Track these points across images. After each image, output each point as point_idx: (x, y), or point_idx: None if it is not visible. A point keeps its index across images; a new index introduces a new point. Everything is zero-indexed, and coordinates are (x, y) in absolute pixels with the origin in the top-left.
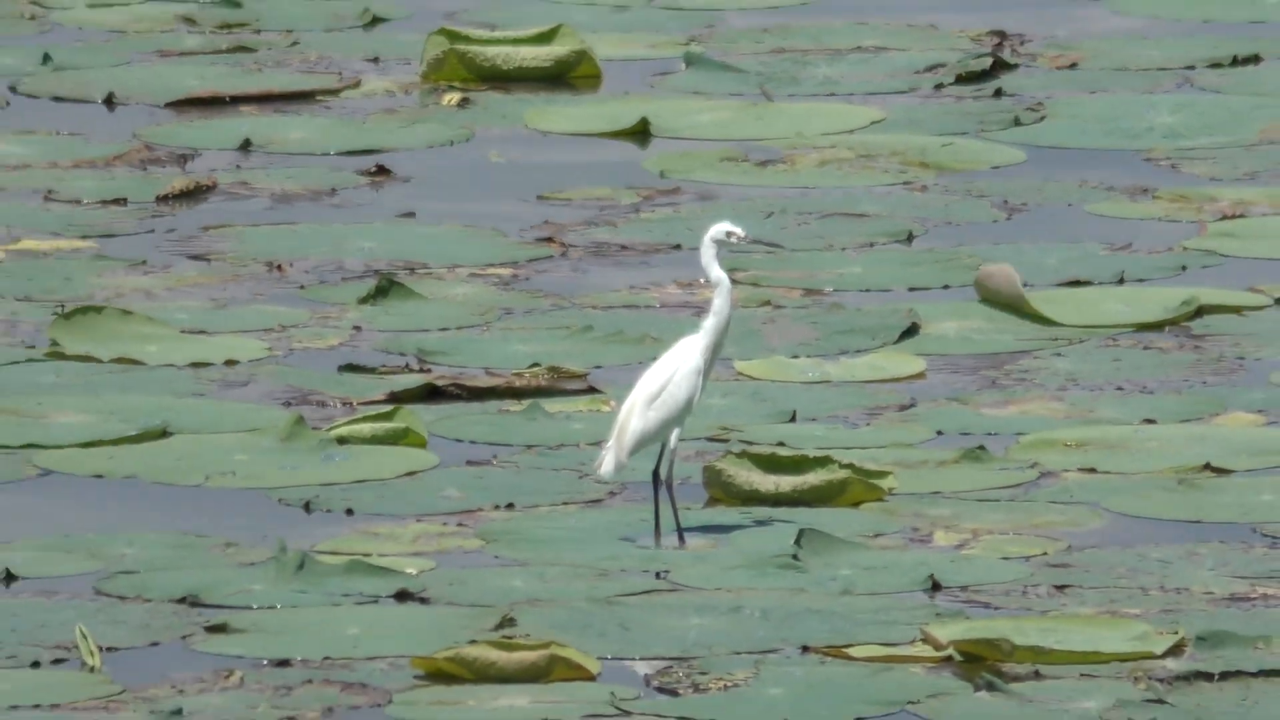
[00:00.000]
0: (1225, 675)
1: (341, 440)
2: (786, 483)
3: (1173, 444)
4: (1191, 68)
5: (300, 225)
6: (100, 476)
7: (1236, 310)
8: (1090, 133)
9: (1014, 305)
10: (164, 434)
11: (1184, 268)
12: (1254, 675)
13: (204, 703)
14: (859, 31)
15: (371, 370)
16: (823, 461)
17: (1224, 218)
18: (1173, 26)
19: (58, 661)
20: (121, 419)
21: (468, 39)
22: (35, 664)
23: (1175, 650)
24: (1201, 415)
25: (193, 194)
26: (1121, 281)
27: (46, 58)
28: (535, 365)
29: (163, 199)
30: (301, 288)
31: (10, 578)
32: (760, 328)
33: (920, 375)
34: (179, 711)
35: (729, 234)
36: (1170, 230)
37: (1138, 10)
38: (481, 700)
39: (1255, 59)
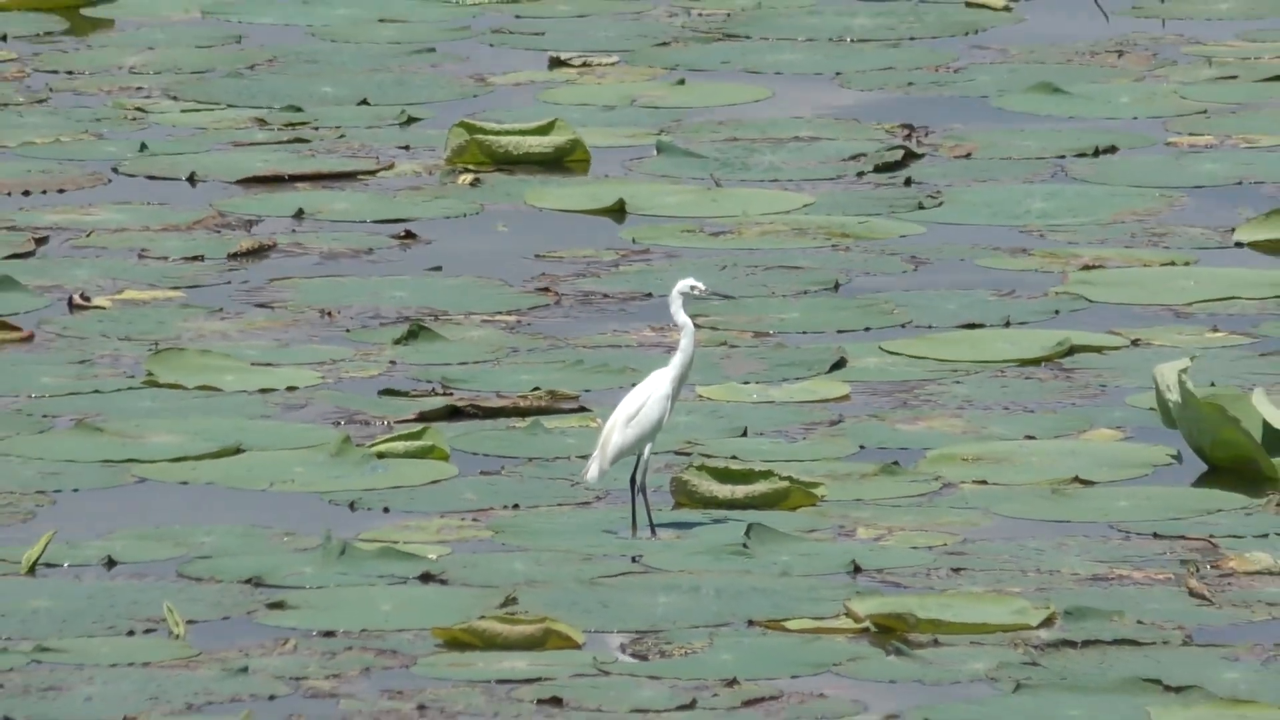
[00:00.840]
0: (1087, 643)
1: (381, 455)
2: (739, 491)
3: (1049, 457)
4: (1063, 157)
5: (345, 279)
6: (185, 483)
7: (1099, 349)
8: (979, 214)
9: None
10: (238, 450)
11: (1056, 312)
12: (1110, 643)
13: (265, 664)
14: (797, 124)
15: (405, 394)
16: (767, 474)
17: (1084, 268)
18: (1046, 121)
19: (148, 631)
20: (204, 438)
21: (483, 130)
22: (130, 633)
23: (1047, 622)
24: (1072, 431)
25: (257, 252)
26: (1008, 324)
27: (143, 146)
28: (536, 389)
29: (233, 256)
30: (347, 330)
31: (111, 563)
32: (719, 361)
33: (846, 398)
34: (245, 669)
35: (692, 287)
36: (1043, 279)
37: (1013, 105)
38: (489, 664)
39: (1112, 149)
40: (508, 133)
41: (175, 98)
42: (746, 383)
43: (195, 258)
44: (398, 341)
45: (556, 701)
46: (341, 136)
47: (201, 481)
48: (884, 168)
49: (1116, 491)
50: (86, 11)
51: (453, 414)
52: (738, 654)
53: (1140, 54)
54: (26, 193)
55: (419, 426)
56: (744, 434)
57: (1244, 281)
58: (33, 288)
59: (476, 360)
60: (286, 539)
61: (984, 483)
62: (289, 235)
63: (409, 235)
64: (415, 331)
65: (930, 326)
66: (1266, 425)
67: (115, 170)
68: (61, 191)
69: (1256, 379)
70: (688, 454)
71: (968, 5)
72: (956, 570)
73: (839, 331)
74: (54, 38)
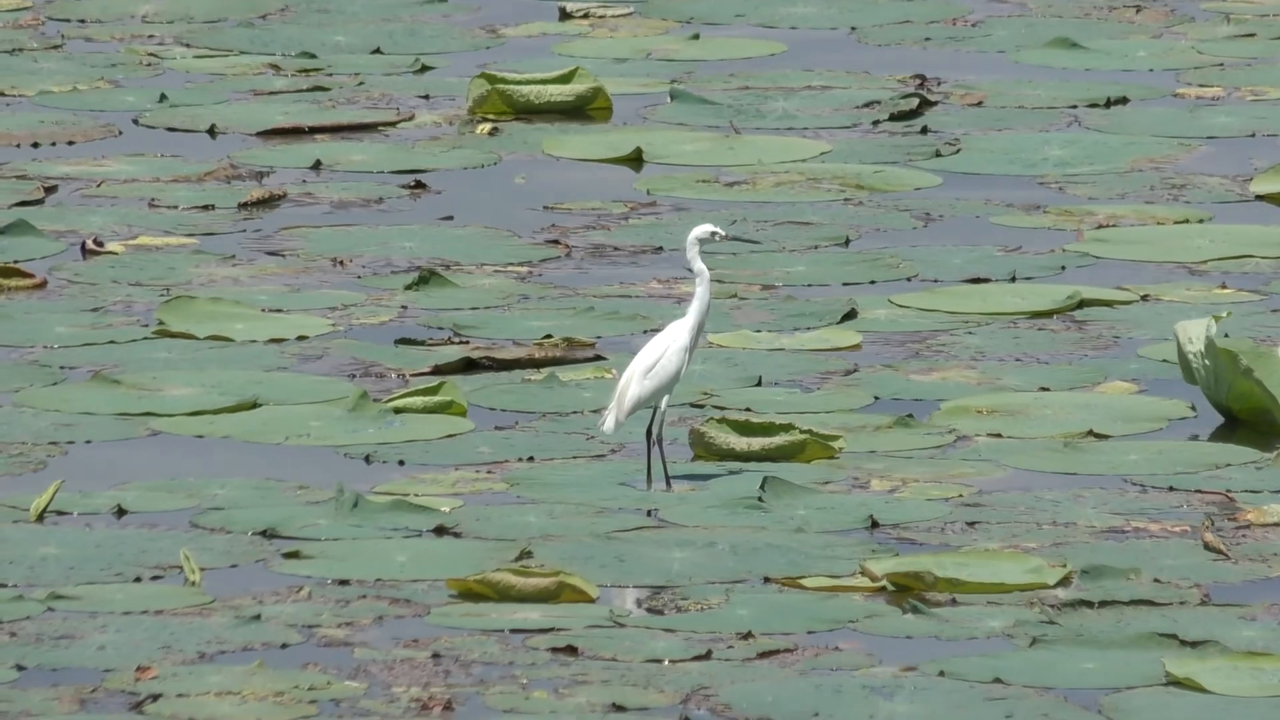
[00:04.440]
0: (1104, 603)
1: (398, 410)
2: (757, 443)
3: (1063, 410)
4: (1074, 107)
5: (355, 228)
6: (201, 437)
7: (1110, 304)
8: (996, 162)
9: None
10: (255, 405)
11: (1063, 268)
12: (1126, 603)
13: (278, 611)
14: (808, 76)
15: (420, 343)
16: (786, 427)
17: (1099, 227)
18: (1059, 73)
19: (155, 578)
20: (221, 392)
21: (505, 80)
22: (138, 579)
23: (1064, 582)
24: (1086, 384)
25: (267, 202)
26: (1013, 279)
27: (163, 97)
28: (549, 336)
29: (243, 205)
30: (358, 277)
31: (121, 512)
32: (729, 311)
33: (857, 347)
34: (258, 617)
35: (712, 233)
36: (1056, 237)
37: (1030, 60)
38: (502, 615)
39: (1124, 100)
40: (529, 82)
41: (188, 45)
42: (759, 331)
43: (206, 206)
44: (409, 287)
45: (571, 650)
46: (360, 84)
47: (217, 435)
48: (899, 116)
49: (1130, 445)
50: None
51: (468, 366)
52: (753, 610)
53: (1159, 9)
54: (36, 144)
55: (436, 381)
56: (759, 383)
57: (1259, 240)
58: (46, 233)
59: (487, 306)
60: (300, 492)
61: (999, 435)
62: (300, 185)
63: (419, 185)
64: (426, 278)
65: (936, 281)
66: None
67: (135, 123)
68: (71, 143)
69: (1266, 334)
70: (702, 406)
71: None
72: (971, 524)
73: (844, 284)
74: None
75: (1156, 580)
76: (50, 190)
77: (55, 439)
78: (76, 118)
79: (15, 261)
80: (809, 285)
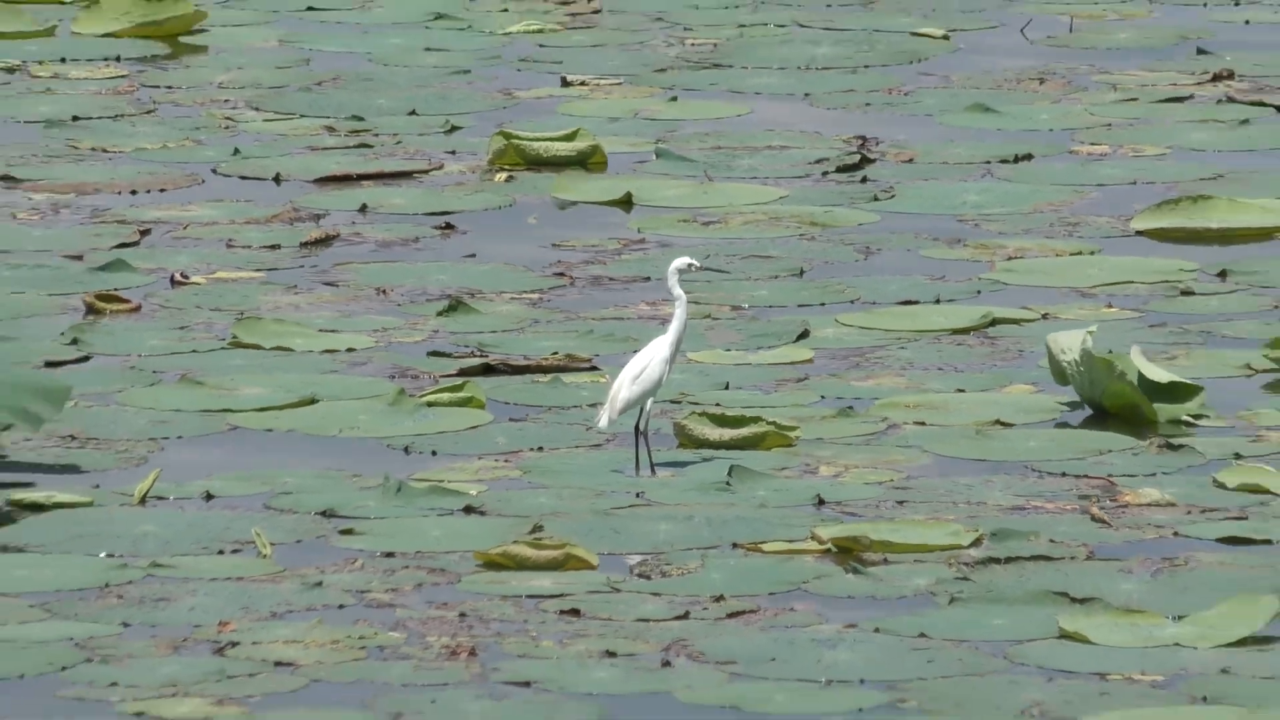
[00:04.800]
0: (1009, 559)
1: (430, 404)
2: (728, 434)
3: (975, 406)
4: (989, 161)
5: (396, 263)
6: (270, 430)
7: (1017, 321)
8: (924, 205)
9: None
10: (312, 401)
11: (979, 292)
12: (1027, 559)
13: (337, 579)
14: (770, 135)
15: (447, 355)
16: (755, 420)
17: (1009, 258)
18: (976, 133)
19: (235, 551)
20: (285, 391)
21: (519, 137)
22: (220, 552)
23: (976, 543)
24: (994, 386)
25: (324, 241)
26: (938, 301)
27: (236, 151)
28: (555, 353)
29: (303, 244)
30: (398, 304)
31: (209, 496)
32: (704, 332)
33: (809, 360)
34: (319, 583)
35: (689, 264)
36: (973, 267)
37: (952, 122)
38: (519, 581)
39: (1029, 156)
40: (539, 139)
41: (257, 109)
42: (728, 349)
43: (273, 245)
44: (440, 314)
45: (575, 612)
46: (399, 142)
47: (283, 429)
48: (844, 169)
49: (1029, 433)
50: (184, 39)
51: (487, 371)
52: (724, 573)
53: (1058, 80)
54: (134, 192)
55: (460, 381)
56: (726, 387)
57: (1138, 268)
58: (140, 269)
59: (505, 329)
60: (353, 479)
61: (922, 424)
62: (349, 226)
63: (448, 226)
64: (455, 305)
65: (874, 303)
66: (1142, 377)
67: (214, 172)
68: (162, 191)
69: (1141, 342)
70: (679, 403)
71: (912, 35)
72: (900, 503)
73: (799, 306)
74: (158, 60)
75: (1051, 541)
76: (145, 233)
77: (153, 435)
78: (166, 170)
79: (115, 289)
80: (770, 307)
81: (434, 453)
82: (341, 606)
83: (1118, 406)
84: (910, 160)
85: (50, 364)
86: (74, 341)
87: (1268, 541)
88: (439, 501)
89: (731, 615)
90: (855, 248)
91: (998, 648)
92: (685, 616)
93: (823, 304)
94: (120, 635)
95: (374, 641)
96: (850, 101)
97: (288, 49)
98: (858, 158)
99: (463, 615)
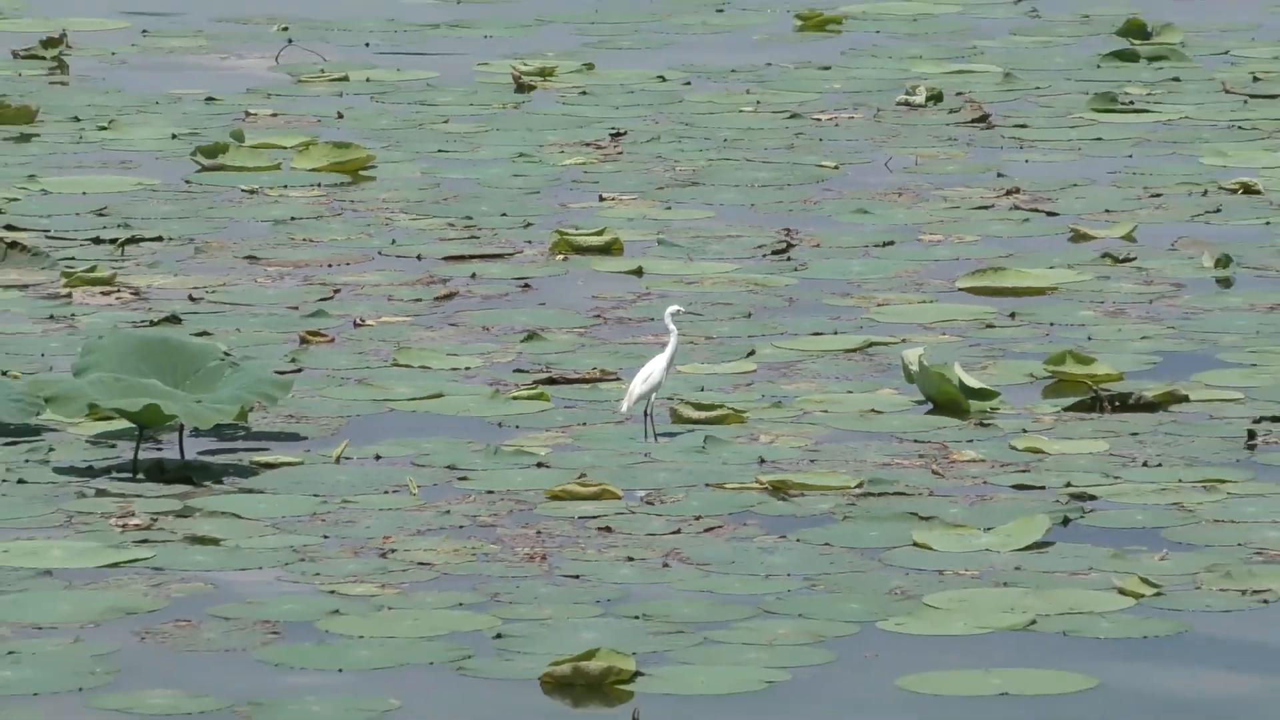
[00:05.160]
0: (880, 494)
1: (514, 398)
2: (703, 416)
3: (859, 398)
4: (867, 246)
5: (495, 310)
6: (415, 413)
7: (885, 344)
8: (826, 273)
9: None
10: (440, 395)
11: (861, 327)
12: (892, 495)
13: (461, 509)
14: (729, 230)
15: (526, 371)
16: (719, 407)
17: (879, 305)
18: (860, 229)
19: (394, 492)
20: (425, 390)
21: (569, 233)
22: (385, 492)
23: (859, 485)
24: (871, 389)
25: (449, 297)
26: (835, 333)
27: (393, 240)
28: (594, 368)
29: (436, 299)
30: (496, 337)
31: (378, 457)
32: (688, 351)
33: (754, 370)
34: (448, 512)
35: (677, 310)
36: (858, 311)
37: (844, 220)
38: (573, 509)
39: (892, 243)
40: (581, 234)
41: (406, 214)
42: (702, 364)
43: (417, 300)
44: (522, 342)
45: (607, 529)
46: (495, 235)
47: (423, 413)
48: (776, 252)
49: (892, 417)
50: (361, 172)
51: (551, 381)
52: (701, 503)
53: (910, 194)
54: (330, 265)
55: (535, 385)
56: (701, 389)
57: (959, 311)
58: (334, 315)
59: (562, 352)
60: (468, 444)
61: (825, 411)
62: (466, 287)
63: (526, 287)
64: (531, 337)
65: (796, 334)
66: (962, 382)
67: (379, 253)
68: (347, 264)
69: (961, 358)
70: (672, 397)
71: (817, 166)
72: (812, 460)
73: (748, 336)
74: (344, 185)
75: (907, 485)
76: (336, 292)
77: (342, 416)
78: (349, 252)
79: (319, 329)
80: (729, 337)
81: (517, 427)
82: (460, 527)
83: (945, 401)
84: (817, 245)
85: (278, 373)
86: (293, 360)
87: (1042, 487)
88: (521, 459)
89: (706, 530)
90: (783, 299)
91: (873, 552)
92: (677, 532)
93: (763, 335)
94: (321, 544)
95: (481, 550)
96: (779, 208)
97: (426, 176)
98: (784, 245)
99: (538, 532)
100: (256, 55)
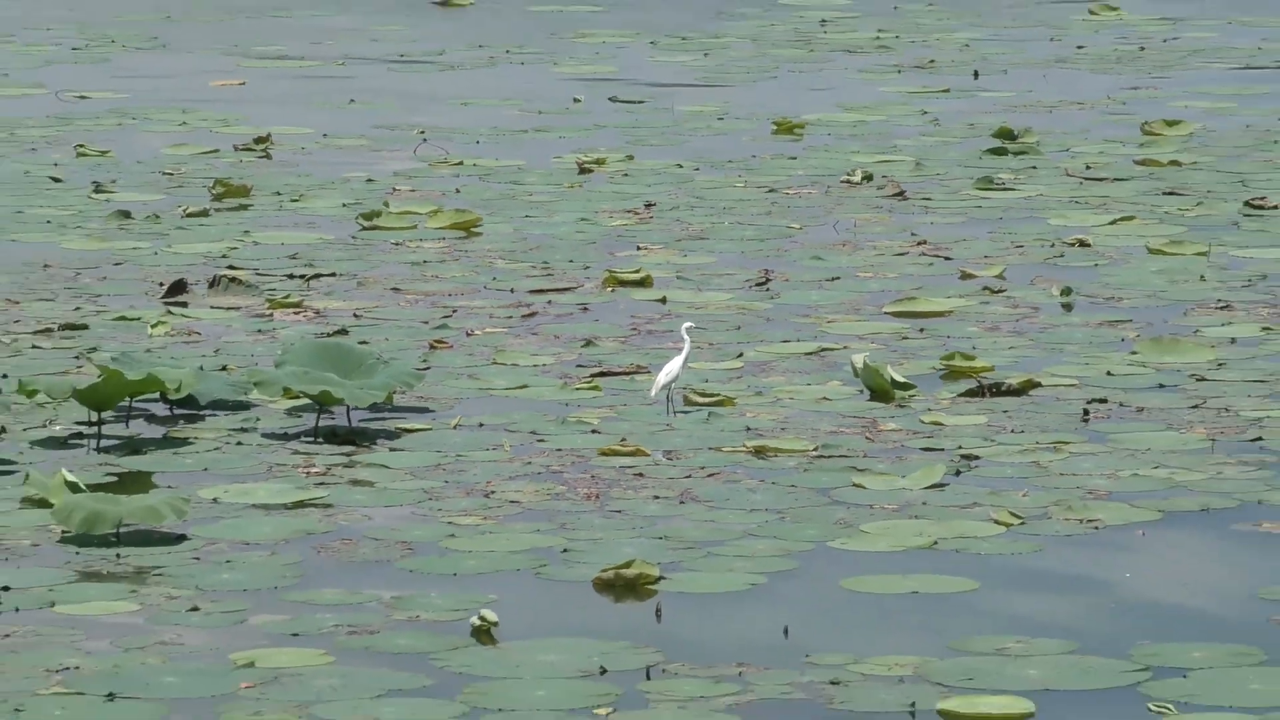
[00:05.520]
0: (830, 455)
1: (577, 389)
2: (707, 400)
3: (817, 389)
4: (820, 281)
5: (563, 324)
6: (507, 398)
7: (834, 350)
8: (793, 300)
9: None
10: (525, 386)
11: (815, 338)
12: (840, 455)
13: (539, 461)
14: (723, 270)
15: (585, 366)
16: (717, 394)
17: (829, 323)
18: (816, 269)
19: (494, 449)
20: (514, 381)
21: (616, 272)
22: (487, 449)
23: (817, 449)
24: (825, 382)
25: (531, 316)
26: (799, 341)
27: (494, 278)
28: (633, 364)
29: (523, 317)
30: (565, 344)
31: (481, 425)
32: (697, 354)
33: (741, 368)
34: (529, 463)
35: (689, 325)
36: (815, 328)
37: (805, 265)
38: (615, 460)
39: (838, 278)
40: (625, 272)
41: (505, 260)
42: (705, 364)
43: (509, 319)
44: (582, 348)
45: (640, 475)
46: (565, 273)
47: (513, 398)
48: (758, 285)
49: (839, 401)
50: (474, 229)
51: (603, 374)
52: (705, 460)
53: (851, 244)
54: (450, 294)
55: (592, 378)
56: (705, 380)
57: (886, 328)
58: (453, 329)
59: (610, 355)
60: (544, 417)
61: (793, 398)
62: (545, 310)
63: (585, 309)
64: (588, 343)
65: (765, 342)
66: (889, 377)
67: (485, 287)
68: (462, 294)
69: (887, 359)
70: (684, 387)
71: (788, 228)
72: (783, 429)
73: (737, 343)
74: (460, 239)
75: (849, 448)
76: (454, 312)
77: (458, 398)
78: (465, 285)
79: (442, 339)
80: (726, 344)
81: (578, 405)
82: (539, 474)
83: (878, 390)
84: (786, 280)
85: (415, 369)
86: (424, 359)
87: (942, 449)
88: (579, 428)
89: (708, 477)
90: (762, 318)
91: (825, 493)
92: (689, 478)
93: (748, 342)
94: (442, 487)
95: (554, 491)
96: (760, 255)
97: (517, 233)
98: (764, 280)
99: (592, 478)
100: (401, 150)
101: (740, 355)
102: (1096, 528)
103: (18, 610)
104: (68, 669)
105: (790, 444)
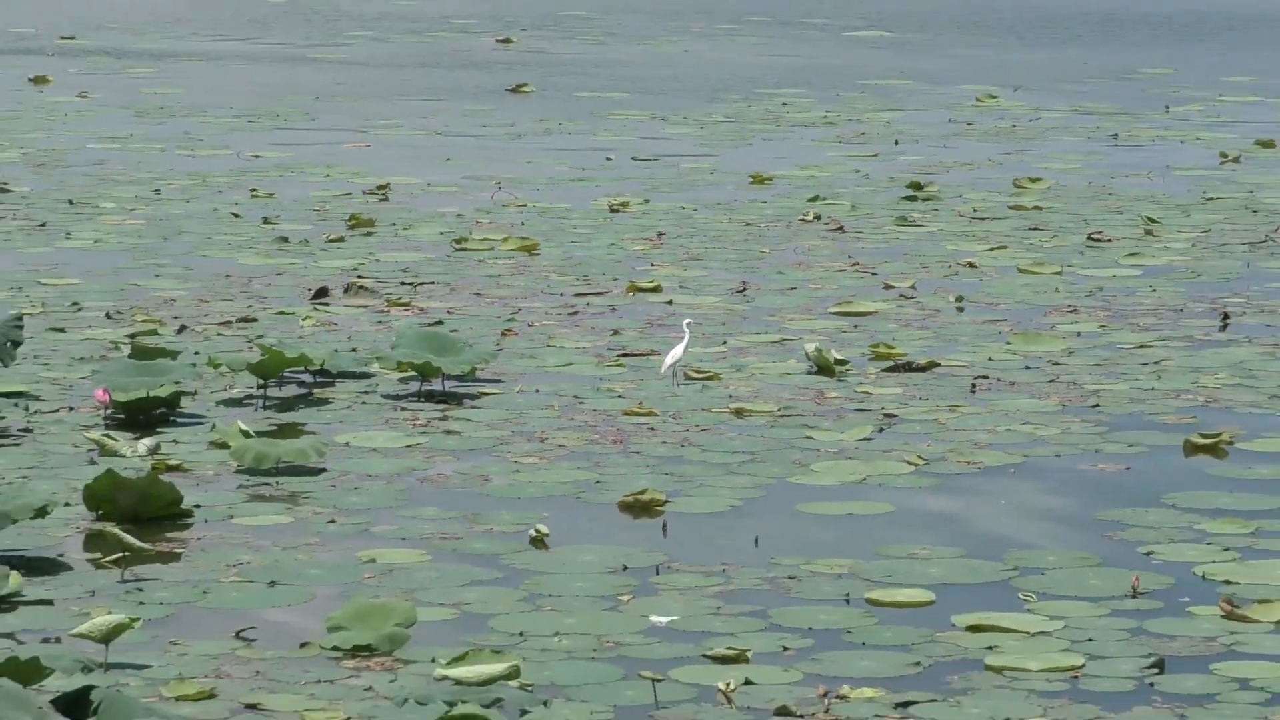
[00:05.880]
0: (791, 416)
1: (608, 364)
2: (701, 375)
3: (779, 371)
4: (784, 290)
5: (598, 320)
6: (559, 374)
7: (792, 340)
8: (763, 304)
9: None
10: (570, 364)
11: (780, 330)
12: (797, 414)
13: (579, 419)
14: (710, 280)
15: (614, 350)
16: (708, 371)
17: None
18: (787, 281)
19: (548, 408)
20: (564, 361)
21: (636, 283)
22: (545, 407)
23: (782, 412)
24: (784, 358)
25: (575, 314)
26: (768, 333)
27: (517, 322)
28: (649, 349)
29: (569, 314)
30: (598, 334)
31: (537, 391)
32: (693, 344)
33: (725, 353)
34: (574, 419)
35: (688, 321)
36: (774, 323)
37: (779, 277)
38: (634, 418)
39: (795, 288)
40: (642, 284)
41: (556, 272)
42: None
43: (560, 314)
44: (611, 336)
45: (652, 430)
46: (599, 283)
47: (561, 372)
48: (738, 292)
49: (795, 376)
50: (534, 252)
51: (626, 355)
52: (700, 418)
53: (805, 265)
54: (517, 297)
55: (619, 360)
56: (700, 361)
57: (832, 324)
58: (518, 321)
59: (631, 341)
60: (585, 387)
61: (762, 374)
62: (584, 308)
63: (614, 309)
64: (615, 334)
65: (746, 334)
66: (833, 358)
67: (541, 292)
68: (526, 297)
69: (831, 345)
70: (685, 366)
71: (760, 252)
72: (755, 396)
73: (724, 335)
74: (525, 258)
75: (802, 409)
76: (519, 310)
77: (520, 370)
78: (527, 292)
79: (510, 329)
80: (715, 335)
81: (608, 379)
82: (579, 427)
83: (824, 367)
84: (759, 289)
85: (492, 350)
86: (497, 344)
87: (870, 410)
88: (609, 394)
89: (701, 431)
90: (741, 316)
91: (787, 440)
92: (687, 431)
93: (730, 334)
94: (509, 435)
95: (589, 439)
96: (741, 270)
97: (565, 255)
98: (742, 288)
99: (618, 430)
100: (483, 194)
101: (724, 343)
102: (979, 468)
103: (206, 521)
104: (241, 563)
105: (761, 407)
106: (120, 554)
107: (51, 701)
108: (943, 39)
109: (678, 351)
